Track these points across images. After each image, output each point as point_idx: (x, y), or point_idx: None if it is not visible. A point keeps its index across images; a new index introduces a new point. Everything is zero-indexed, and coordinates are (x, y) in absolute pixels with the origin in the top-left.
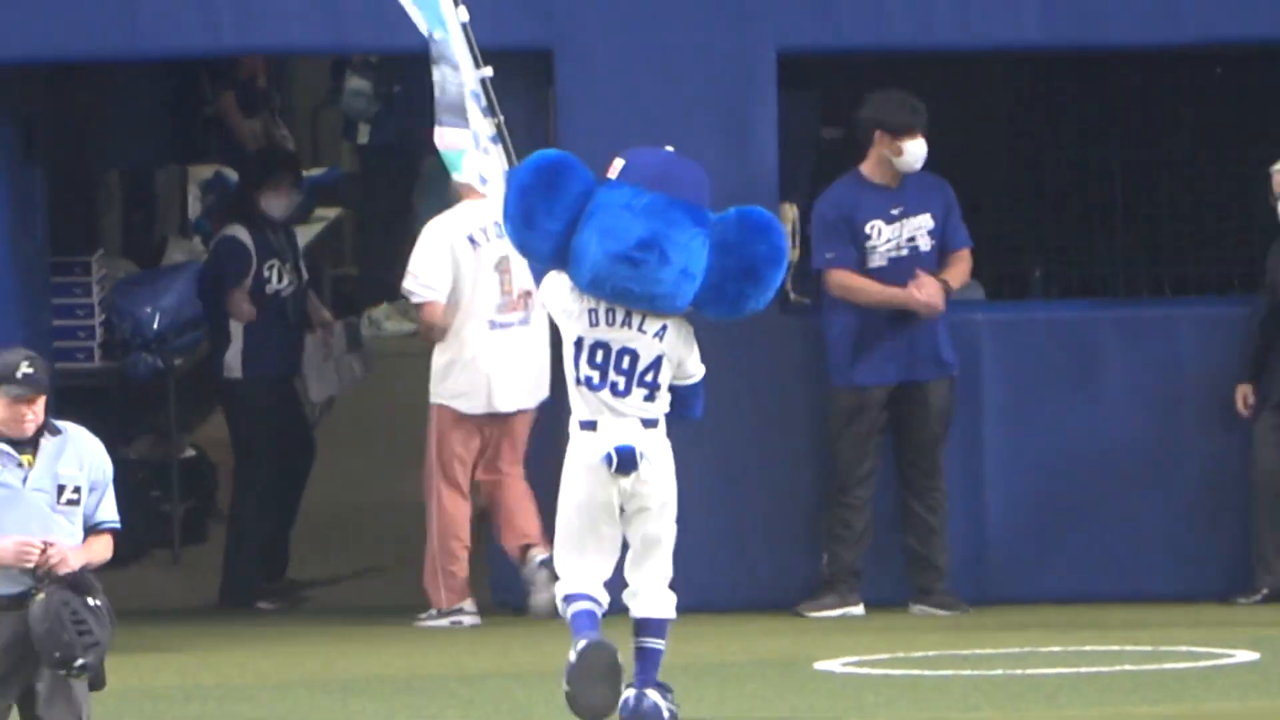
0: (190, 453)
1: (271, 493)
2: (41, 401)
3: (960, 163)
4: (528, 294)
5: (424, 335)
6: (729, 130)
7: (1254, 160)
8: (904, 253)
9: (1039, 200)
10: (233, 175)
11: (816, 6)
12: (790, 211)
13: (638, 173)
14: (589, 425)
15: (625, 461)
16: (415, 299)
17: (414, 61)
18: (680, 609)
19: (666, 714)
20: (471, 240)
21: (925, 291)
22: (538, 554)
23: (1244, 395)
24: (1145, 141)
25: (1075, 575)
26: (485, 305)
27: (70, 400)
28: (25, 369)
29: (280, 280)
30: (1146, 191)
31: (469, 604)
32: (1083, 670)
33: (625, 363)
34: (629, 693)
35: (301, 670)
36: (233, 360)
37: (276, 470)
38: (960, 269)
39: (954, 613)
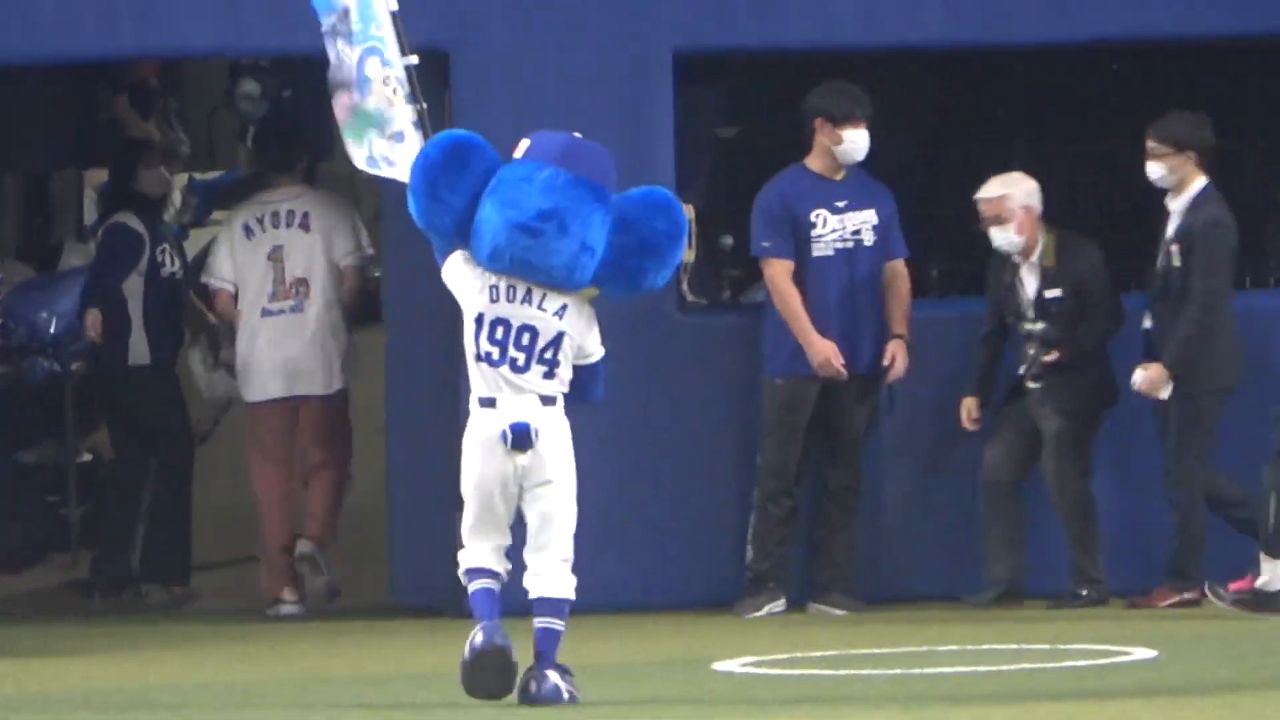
0: (87, 457)
1: (180, 482)
2: None
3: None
4: (302, 282)
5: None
6: (626, 130)
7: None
8: (849, 244)
9: (937, 197)
10: None
11: (713, 6)
12: (687, 211)
13: (541, 151)
14: (488, 402)
15: (520, 438)
16: (213, 288)
17: (308, 64)
18: (592, 608)
19: (566, 695)
20: (246, 229)
21: (831, 366)
22: (303, 546)
23: (969, 408)
24: (1047, 133)
25: (971, 574)
26: (258, 294)
27: None
28: None
29: (173, 264)
30: (1046, 189)
31: (288, 593)
32: (981, 669)
33: (525, 339)
34: (529, 674)
35: (201, 674)
36: (137, 346)
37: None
38: (901, 290)
39: (851, 612)
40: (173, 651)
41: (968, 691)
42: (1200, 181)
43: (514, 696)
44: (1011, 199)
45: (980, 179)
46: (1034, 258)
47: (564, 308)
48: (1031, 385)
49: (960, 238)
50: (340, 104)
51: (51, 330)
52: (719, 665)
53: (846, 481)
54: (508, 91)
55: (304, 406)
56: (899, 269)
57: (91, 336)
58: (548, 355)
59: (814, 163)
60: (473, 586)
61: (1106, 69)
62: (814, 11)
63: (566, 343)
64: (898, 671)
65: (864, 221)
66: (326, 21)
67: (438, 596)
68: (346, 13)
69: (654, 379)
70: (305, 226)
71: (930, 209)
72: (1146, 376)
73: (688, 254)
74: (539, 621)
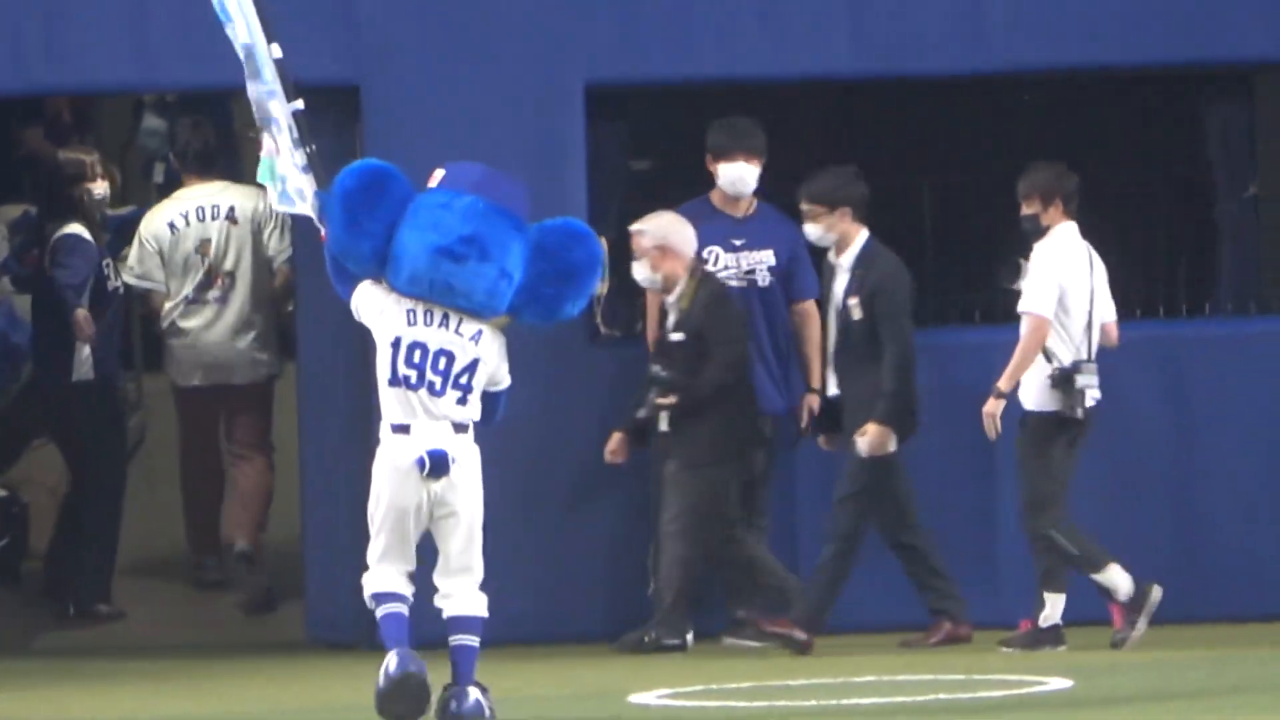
0: (2, 493)
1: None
2: None
3: (771, 191)
4: (229, 275)
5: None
6: (538, 163)
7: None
8: (743, 284)
9: None
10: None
11: (624, 39)
12: (600, 244)
13: (458, 180)
14: (401, 429)
15: (438, 465)
16: (140, 290)
17: (216, 98)
18: (502, 640)
19: (488, 712)
20: (171, 226)
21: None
22: (239, 545)
23: (613, 443)
24: (954, 168)
25: (887, 604)
26: (185, 285)
27: None
28: None
29: (116, 278)
30: (957, 219)
31: (212, 559)
32: (897, 699)
33: (442, 364)
34: (449, 692)
35: (118, 710)
36: (83, 362)
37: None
38: (810, 334)
39: (765, 644)
40: (88, 688)
41: None
42: (863, 235)
43: (430, 717)
44: (645, 236)
45: (892, 210)
46: (672, 298)
47: (479, 333)
48: (662, 429)
49: None
50: (262, 143)
51: None
52: (634, 698)
53: (754, 517)
54: (419, 125)
55: (229, 396)
56: (808, 311)
57: (88, 335)
58: (463, 380)
59: (715, 197)
60: (383, 611)
61: (1018, 99)
62: (724, 43)
63: (481, 369)
64: (813, 703)
65: (760, 261)
66: (242, 50)
67: (354, 631)
68: (250, 52)
69: (567, 410)
70: (232, 219)
71: None
72: (867, 441)
73: (601, 286)
74: (457, 640)
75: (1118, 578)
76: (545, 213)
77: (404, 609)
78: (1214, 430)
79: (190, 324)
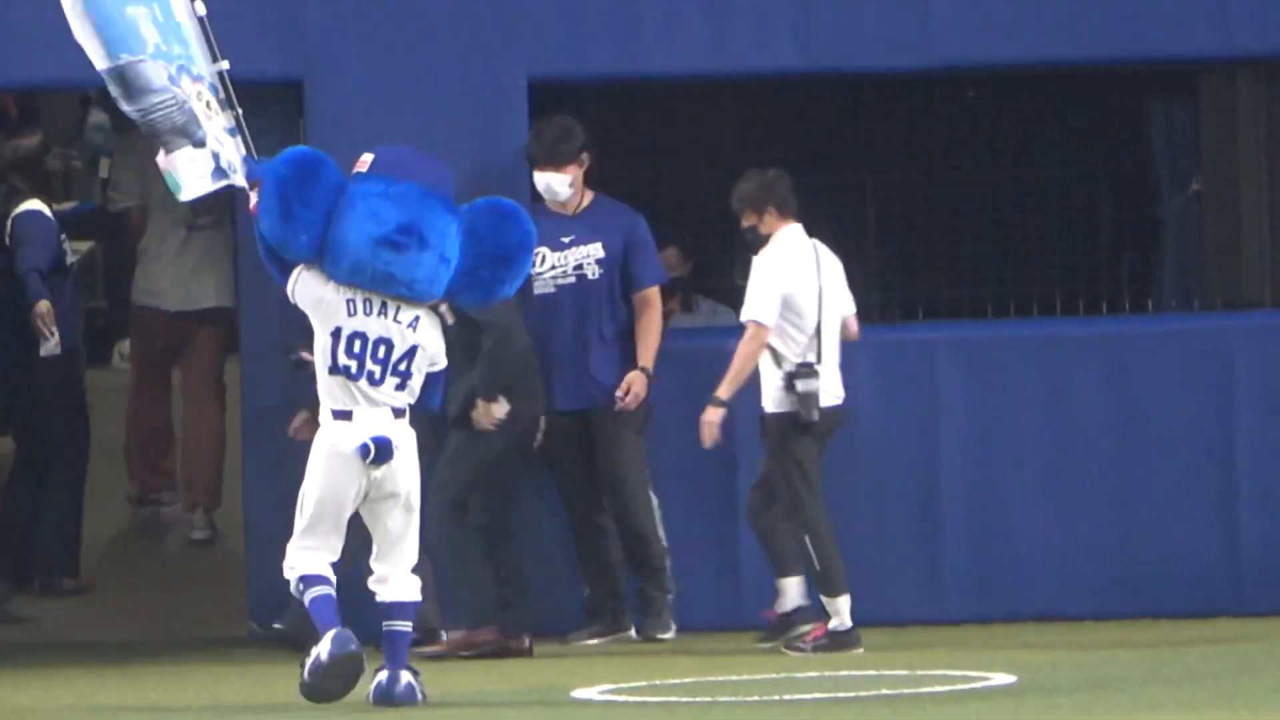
0: None
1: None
2: None
3: (713, 188)
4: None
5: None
6: (481, 160)
7: (1009, 181)
8: (571, 280)
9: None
10: None
11: (567, 35)
12: None
13: (387, 166)
14: (343, 415)
15: (382, 452)
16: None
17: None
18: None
19: (420, 696)
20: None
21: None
22: (198, 532)
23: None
24: (898, 164)
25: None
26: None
27: None
28: None
29: (72, 253)
30: (899, 214)
31: (166, 496)
32: (840, 695)
33: (381, 352)
34: (381, 675)
35: (60, 700)
36: (49, 341)
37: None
38: (649, 320)
39: (606, 640)
40: (30, 677)
41: (825, 718)
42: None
43: (357, 699)
44: None
45: (836, 206)
46: None
47: (416, 319)
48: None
49: None
50: (160, 158)
51: None
52: (577, 693)
53: (618, 514)
54: (363, 120)
55: (197, 331)
56: (648, 298)
57: (50, 329)
58: (401, 367)
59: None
60: (312, 594)
61: (963, 96)
62: (667, 39)
63: (420, 355)
64: (756, 699)
65: (587, 256)
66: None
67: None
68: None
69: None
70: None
71: None
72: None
73: None
74: (391, 625)
75: (795, 591)
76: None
77: (331, 590)
78: (1156, 426)
79: (186, 249)
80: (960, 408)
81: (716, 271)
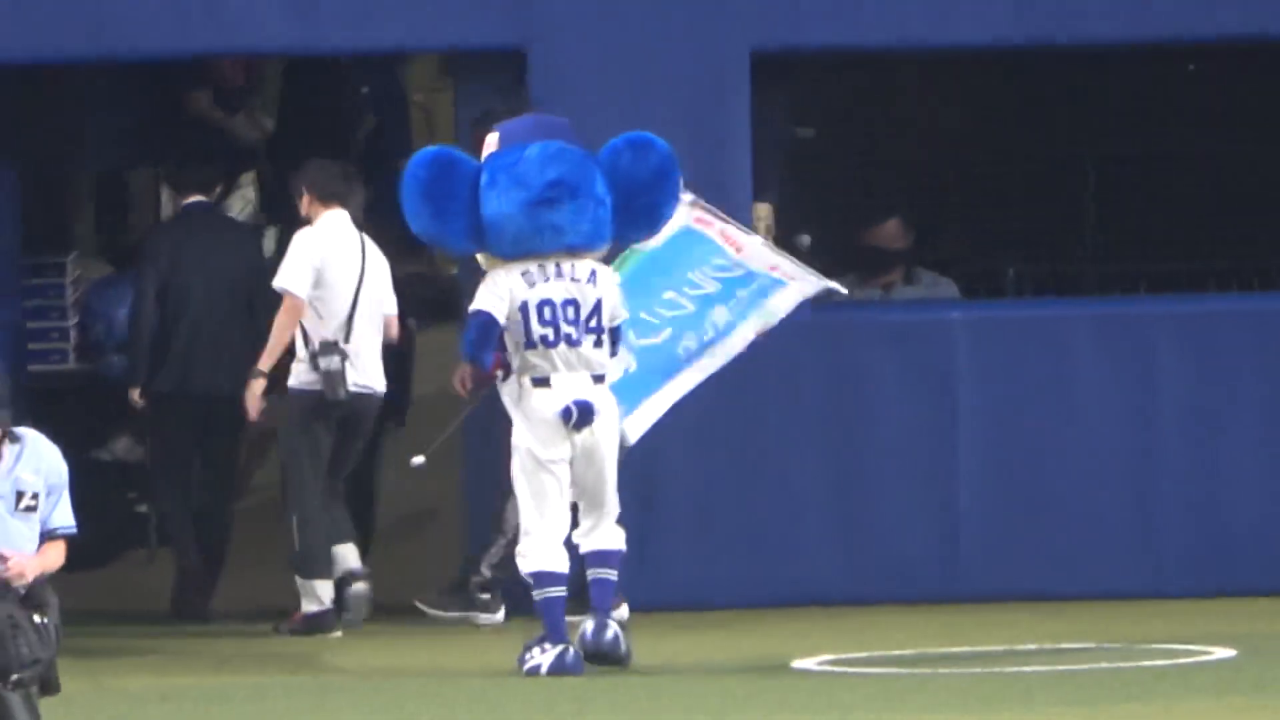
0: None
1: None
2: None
3: (933, 160)
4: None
5: None
6: (702, 130)
7: (1227, 154)
8: None
9: (1012, 198)
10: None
11: (789, 6)
12: (764, 211)
13: (512, 137)
14: (542, 382)
15: (584, 415)
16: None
17: (385, 61)
18: (661, 605)
19: (624, 648)
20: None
21: None
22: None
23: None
24: (1118, 137)
25: (1050, 573)
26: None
27: (44, 402)
28: None
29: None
30: (1119, 187)
31: None
32: (1059, 668)
33: (570, 313)
34: (587, 624)
35: (279, 670)
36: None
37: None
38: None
39: (451, 614)
40: (245, 652)
41: (1045, 691)
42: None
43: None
44: None
45: (1056, 179)
46: None
47: (593, 273)
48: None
49: (1035, 237)
50: None
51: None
52: (797, 663)
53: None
54: (585, 90)
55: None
56: None
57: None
58: (593, 324)
59: None
60: (543, 594)
61: (1182, 69)
62: (888, 11)
63: (605, 308)
64: (977, 670)
65: None
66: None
67: None
68: None
69: (732, 374)
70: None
71: (1007, 209)
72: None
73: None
74: (597, 573)
75: (324, 593)
76: (709, 182)
77: (563, 591)
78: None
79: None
80: (1179, 381)
81: (937, 243)
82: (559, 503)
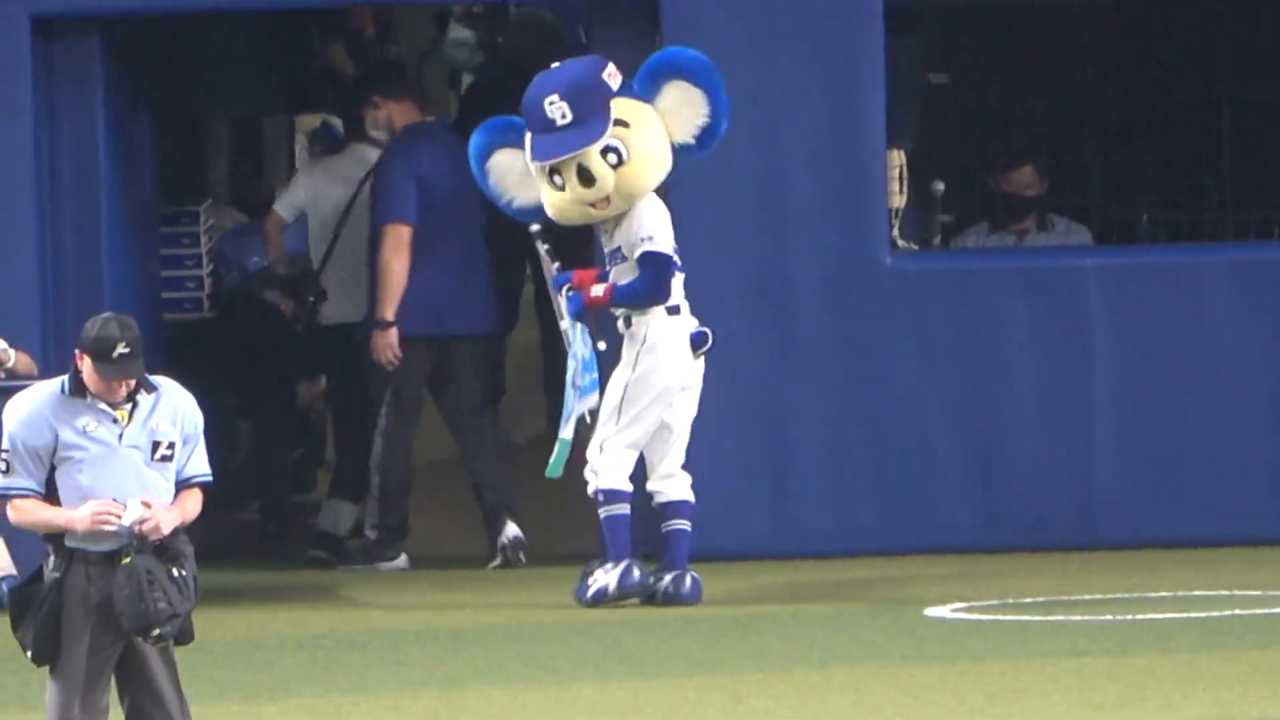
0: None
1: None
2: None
3: (1068, 107)
4: None
5: None
6: (836, 78)
7: None
8: None
9: (1146, 144)
10: (339, 124)
11: None
12: (898, 157)
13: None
14: (675, 310)
15: (702, 339)
16: None
17: (520, 11)
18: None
19: (700, 597)
20: None
21: None
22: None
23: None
24: (1253, 82)
25: (1185, 519)
26: None
27: (178, 349)
28: (121, 350)
29: None
30: (1254, 133)
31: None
32: (1192, 615)
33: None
34: (668, 575)
35: (412, 619)
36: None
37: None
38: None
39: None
40: (376, 597)
41: (1177, 638)
42: None
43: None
44: None
45: (1190, 124)
46: None
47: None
48: None
49: (1169, 183)
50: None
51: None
52: (930, 611)
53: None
54: (717, 38)
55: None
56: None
57: None
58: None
59: None
60: (610, 510)
61: None
62: None
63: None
64: (1108, 618)
65: None
66: None
67: None
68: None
69: (865, 323)
70: None
71: (1141, 155)
72: None
73: (899, 198)
74: (676, 524)
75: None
76: (843, 129)
77: (628, 509)
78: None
79: None
80: None
81: (1071, 190)
82: (647, 438)
